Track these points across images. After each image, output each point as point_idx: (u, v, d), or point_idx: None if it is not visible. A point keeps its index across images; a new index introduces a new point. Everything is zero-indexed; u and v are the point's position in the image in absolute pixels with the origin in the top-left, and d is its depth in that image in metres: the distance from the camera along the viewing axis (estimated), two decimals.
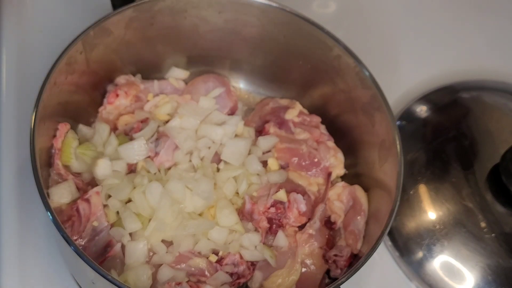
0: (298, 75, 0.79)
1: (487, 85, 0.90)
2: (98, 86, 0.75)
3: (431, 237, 0.74)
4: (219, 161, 0.72)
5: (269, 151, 0.75)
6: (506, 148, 0.75)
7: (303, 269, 0.67)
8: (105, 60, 0.72)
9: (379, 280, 0.74)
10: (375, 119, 0.71)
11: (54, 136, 0.67)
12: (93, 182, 0.68)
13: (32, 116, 0.60)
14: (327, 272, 0.69)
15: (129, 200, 0.67)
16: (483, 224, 0.75)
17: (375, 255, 0.61)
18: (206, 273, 0.65)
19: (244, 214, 0.69)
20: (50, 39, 0.70)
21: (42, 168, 0.61)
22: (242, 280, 0.67)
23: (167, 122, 0.74)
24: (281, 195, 0.70)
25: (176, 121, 0.73)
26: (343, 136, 0.77)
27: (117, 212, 0.66)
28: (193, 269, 0.65)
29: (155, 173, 0.69)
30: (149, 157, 0.70)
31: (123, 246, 0.64)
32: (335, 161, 0.75)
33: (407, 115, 0.84)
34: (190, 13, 0.74)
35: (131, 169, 0.70)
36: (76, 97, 0.70)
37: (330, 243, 0.70)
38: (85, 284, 0.66)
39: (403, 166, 0.65)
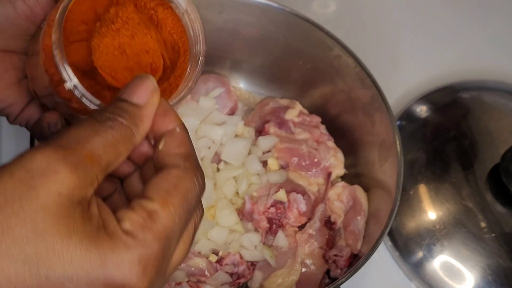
0: (298, 75, 0.79)
1: (487, 85, 0.90)
2: None
3: (431, 237, 0.74)
4: (219, 161, 0.72)
5: (269, 151, 0.75)
6: (506, 148, 0.74)
7: (303, 269, 0.67)
8: None
9: (379, 280, 0.74)
10: (375, 119, 0.71)
11: None
12: None
13: None
14: (327, 272, 0.69)
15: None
16: (483, 224, 0.74)
17: (375, 255, 0.61)
18: (206, 273, 0.65)
19: (244, 214, 0.69)
20: None
21: None
22: (242, 280, 0.67)
23: None
24: (281, 195, 0.70)
25: None
26: (343, 136, 0.77)
27: None
28: (193, 269, 0.65)
29: None
30: None
31: None
32: (335, 161, 0.75)
33: (407, 115, 0.84)
34: None
35: None
36: None
37: (330, 243, 0.70)
38: None
39: (403, 166, 0.65)
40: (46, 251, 0.28)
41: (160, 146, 0.35)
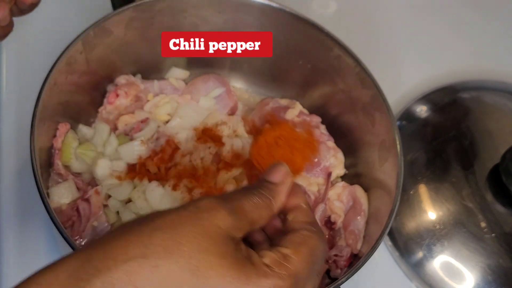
0: (298, 75, 0.79)
1: (487, 85, 0.90)
2: (98, 86, 0.75)
3: (431, 237, 0.74)
4: (219, 161, 0.72)
5: None
6: (506, 148, 0.75)
7: None
8: (105, 60, 0.72)
9: (379, 280, 0.74)
10: (375, 119, 0.71)
11: (54, 136, 0.67)
12: (93, 182, 0.68)
13: (32, 116, 0.60)
14: (327, 272, 0.69)
15: (129, 200, 0.67)
16: (483, 224, 0.75)
17: (375, 255, 0.61)
18: None
19: None
20: (50, 39, 0.71)
21: (42, 168, 0.61)
22: None
23: (167, 122, 0.74)
24: None
25: (176, 121, 0.73)
26: (343, 136, 0.77)
27: (117, 212, 0.66)
28: None
29: (155, 173, 0.69)
30: (149, 157, 0.70)
31: None
32: (335, 161, 0.75)
33: (407, 115, 0.84)
34: (190, 13, 0.74)
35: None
36: (76, 97, 0.70)
37: (330, 243, 0.70)
38: None
39: (403, 166, 0.65)
40: (206, 265, 0.36)
41: (290, 217, 0.44)
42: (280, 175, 0.45)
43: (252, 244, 0.45)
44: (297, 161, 0.57)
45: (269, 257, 0.39)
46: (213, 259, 0.36)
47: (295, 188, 0.46)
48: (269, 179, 0.45)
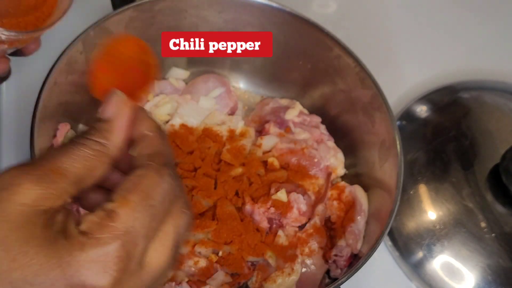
0: (298, 75, 0.79)
1: (487, 85, 0.90)
2: None
3: (431, 237, 0.74)
4: (219, 161, 0.72)
5: (269, 151, 0.75)
6: (506, 148, 0.75)
7: (303, 269, 0.67)
8: None
9: (379, 280, 0.74)
10: (375, 119, 0.71)
11: (54, 136, 0.67)
12: None
13: (32, 116, 0.60)
14: (327, 272, 0.69)
15: None
16: (483, 224, 0.75)
17: (375, 255, 0.61)
18: (206, 273, 0.65)
19: (244, 214, 0.69)
20: (50, 39, 0.70)
21: None
22: (242, 280, 0.67)
23: (167, 122, 0.74)
24: (281, 195, 0.70)
25: (176, 121, 0.73)
26: (343, 136, 0.77)
27: None
28: (193, 269, 0.65)
29: None
30: None
31: None
32: (335, 161, 0.75)
33: (407, 115, 0.84)
34: (190, 13, 0.74)
35: None
36: (76, 97, 0.70)
37: (330, 243, 0.70)
38: None
39: (403, 166, 0.65)
40: (6, 258, 0.30)
41: (135, 153, 0.37)
42: (112, 108, 0.37)
43: (88, 209, 0.38)
44: (133, 82, 0.43)
45: (87, 221, 0.32)
46: (14, 248, 0.30)
47: (139, 114, 0.38)
48: (100, 117, 0.37)
